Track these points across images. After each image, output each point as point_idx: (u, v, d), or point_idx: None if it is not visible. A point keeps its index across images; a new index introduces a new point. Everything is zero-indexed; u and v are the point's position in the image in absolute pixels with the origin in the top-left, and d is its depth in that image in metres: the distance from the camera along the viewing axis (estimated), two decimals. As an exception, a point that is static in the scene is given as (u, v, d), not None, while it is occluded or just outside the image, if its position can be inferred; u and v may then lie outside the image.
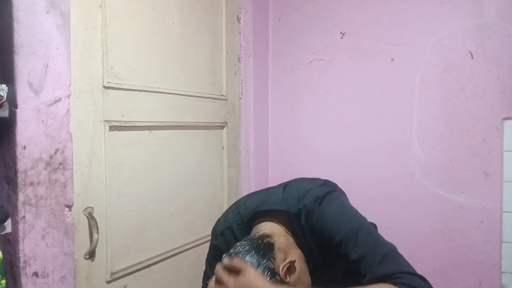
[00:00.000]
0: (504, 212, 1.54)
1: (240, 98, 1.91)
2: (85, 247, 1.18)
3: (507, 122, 1.53)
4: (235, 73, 1.88)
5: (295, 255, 0.89)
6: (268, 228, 0.92)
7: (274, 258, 0.84)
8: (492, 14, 1.54)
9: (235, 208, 1.06)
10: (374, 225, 0.90)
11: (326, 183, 0.99)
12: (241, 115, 1.91)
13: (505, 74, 1.53)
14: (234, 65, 1.87)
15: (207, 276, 1.04)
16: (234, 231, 1.01)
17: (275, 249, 0.86)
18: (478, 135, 1.58)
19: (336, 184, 1.03)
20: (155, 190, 1.44)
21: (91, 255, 1.19)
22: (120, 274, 1.30)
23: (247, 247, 0.85)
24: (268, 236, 0.89)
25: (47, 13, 1.04)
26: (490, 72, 1.55)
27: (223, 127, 1.80)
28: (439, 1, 1.64)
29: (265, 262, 0.82)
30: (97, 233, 1.17)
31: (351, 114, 1.85)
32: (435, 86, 1.66)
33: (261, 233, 0.90)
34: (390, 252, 0.82)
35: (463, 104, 1.61)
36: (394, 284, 0.74)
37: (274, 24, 2.06)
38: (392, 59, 1.75)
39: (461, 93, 1.61)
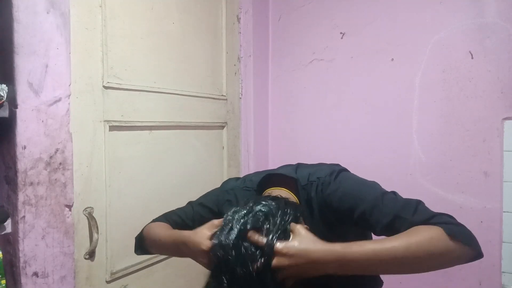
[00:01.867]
0: (504, 212, 1.54)
1: (240, 98, 1.91)
2: (85, 247, 1.18)
3: (507, 122, 1.53)
4: (235, 73, 1.88)
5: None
6: (283, 193, 0.90)
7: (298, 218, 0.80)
8: (492, 14, 1.54)
9: (246, 176, 1.07)
10: (395, 193, 0.87)
11: (339, 165, 0.98)
12: (241, 115, 1.91)
13: (505, 74, 1.53)
14: (234, 65, 1.87)
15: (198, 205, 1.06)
16: (237, 195, 0.99)
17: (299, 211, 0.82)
18: (478, 135, 1.58)
19: None
20: (155, 190, 1.44)
21: (91, 255, 1.19)
22: (120, 274, 1.30)
23: (274, 205, 0.78)
24: (287, 198, 0.85)
25: (47, 13, 1.04)
26: (490, 72, 1.55)
27: (223, 127, 1.80)
28: (439, 1, 1.64)
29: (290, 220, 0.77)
30: (97, 233, 1.17)
31: (351, 114, 1.85)
32: (435, 86, 1.66)
33: (278, 195, 0.87)
34: (419, 203, 0.81)
35: (463, 104, 1.61)
36: (434, 224, 0.72)
37: (274, 24, 2.06)
38: (392, 59, 1.75)
39: (461, 93, 1.61)
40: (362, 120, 1.82)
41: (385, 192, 0.84)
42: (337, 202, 0.86)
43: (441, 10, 1.64)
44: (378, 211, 0.80)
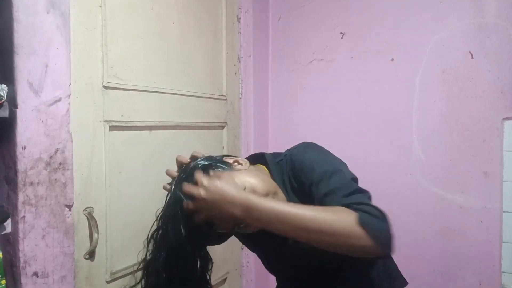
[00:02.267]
0: (504, 212, 1.54)
1: (240, 98, 1.91)
2: (85, 247, 1.18)
3: (507, 122, 1.53)
4: (235, 73, 1.88)
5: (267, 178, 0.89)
6: (259, 167, 0.94)
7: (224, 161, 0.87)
8: (492, 14, 1.54)
9: None
10: (352, 177, 0.86)
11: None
12: (241, 115, 1.91)
13: (505, 74, 1.53)
14: (234, 65, 1.87)
15: None
16: None
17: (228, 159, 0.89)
18: (478, 135, 1.58)
19: None
20: (155, 190, 1.43)
21: (91, 255, 1.19)
22: (120, 274, 1.30)
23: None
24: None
25: (47, 13, 1.04)
26: (490, 72, 1.55)
27: (223, 127, 1.80)
28: (439, 1, 1.64)
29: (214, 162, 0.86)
30: (97, 233, 1.17)
31: (351, 114, 1.85)
32: (435, 86, 1.66)
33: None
34: (360, 191, 0.80)
35: (463, 104, 1.61)
36: (354, 210, 0.73)
37: (274, 24, 2.06)
38: (392, 59, 1.75)
39: (461, 93, 1.61)
40: (362, 120, 1.82)
41: (336, 170, 0.84)
42: (298, 171, 0.87)
43: (441, 10, 1.64)
44: (322, 185, 0.81)
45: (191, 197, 0.77)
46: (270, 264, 1.06)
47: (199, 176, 0.79)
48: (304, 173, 0.85)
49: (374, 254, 0.73)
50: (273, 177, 0.91)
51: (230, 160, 0.88)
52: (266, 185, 0.84)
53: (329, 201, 0.78)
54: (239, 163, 0.88)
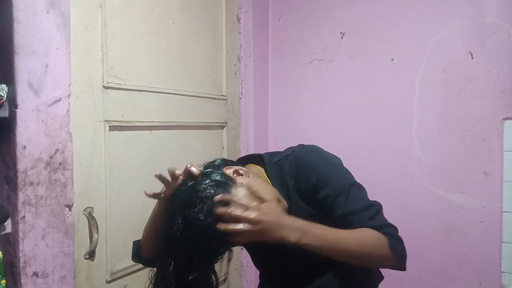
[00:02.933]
0: (504, 212, 1.54)
1: (240, 98, 1.91)
2: (85, 247, 1.18)
3: (507, 122, 1.53)
4: (235, 73, 1.88)
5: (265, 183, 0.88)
6: (253, 168, 0.93)
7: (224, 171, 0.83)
8: (492, 14, 1.54)
9: None
10: (359, 186, 0.90)
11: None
12: (241, 115, 1.91)
13: (505, 74, 1.53)
14: (234, 65, 1.87)
15: None
16: None
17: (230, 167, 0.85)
18: (478, 135, 1.58)
19: None
20: (155, 190, 1.43)
21: (91, 255, 1.19)
22: (120, 274, 1.30)
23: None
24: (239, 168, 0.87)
25: (47, 13, 1.04)
26: (490, 72, 1.55)
27: (223, 127, 1.80)
28: (439, 1, 1.64)
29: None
30: (97, 233, 1.17)
31: (351, 114, 1.85)
32: (435, 86, 1.66)
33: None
34: (378, 211, 0.87)
35: (463, 104, 1.60)
36: (383, 233, 0.81)
37: (274, 24, 2.06)
38: (392, 59, 1.75)
39: (461, 93, 1.61)
40: (362, 120, 1.82)
41: (352, 184, 0.88)
42: (307, 176, 0.87)
43: (441, 10, 1.64)
44: (341, 200, 0.84)
45: (235, 220, 0.72)
46: (257, 259, 1.06)
47: (243, 197, 0.76)
48: (316, 181, 0.86)
49: (393, 268, 0.85)
50: (269, 178, 0.91)
51: (230, 171, 0.84)
52: (271, 195, 0.82)
53: (353, 222, 0.83)
54: (239, 174, 0.84)
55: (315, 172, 0.86)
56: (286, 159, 0.92)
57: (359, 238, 0.80)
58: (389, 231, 0.83)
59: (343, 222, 0.83)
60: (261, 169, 0.94)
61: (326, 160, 0.91)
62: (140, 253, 0.95)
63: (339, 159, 0.95)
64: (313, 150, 0.93)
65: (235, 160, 0.97)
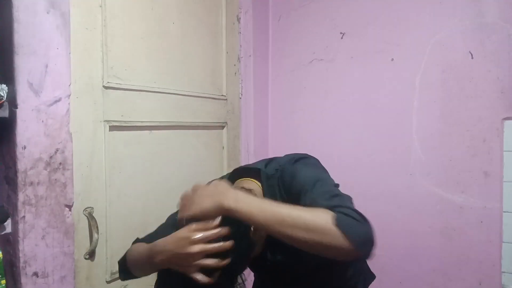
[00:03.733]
0: (504, 212, 1.54)
1: (240, 98, 1.91)
2: (85, 247, 1.18)
3: (507, 122, 1.53)
4: (235, 73, 1.88)
5: None
6: (249, 183, 0.96)
7: None
8: (492, 14, 1.54)
9: (224, 175, 1.10)
10: (338, 185, 0.89)
11: (305, 154, 1.00)
12: (241, 115, 1.91)
13: (505, 74, 1.53)
14: (234, 65, 1.87)
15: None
16: None
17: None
18: (478, 135, 1.58)
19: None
20: (155, 190, 1.44)
21: (91, 255, 1.19)
22: (120, 274, 1.30)
23: None
24: (247, 189, 0.90)
25: (47, 13, 1.04)
26: (490, 72, 1.55)
27: (223, 127, 1.80)
28: (439, 1, 1.64)
29: None
30: (97, 233, 1.17)
31: (351, 114, 1.85)
32: (435, 86, 1.66)
33: (240, 186, 0.93)
34: (340, 195, 0.81)
35: (463, 104, 1.61)
36: (332, 211, 0.73)
37: (274, 24, 2.06)
38: (392, 59, 1.75)
39: (461, 93, 1.61)
40: (362, 120, 1.82)
41: (321, 178, 0.86)
42: (291, 188, 0.88)
43: (441, 10, 1.64)
44: (308, 194, 0.83)
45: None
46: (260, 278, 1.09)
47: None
48: (293, 187, 0.87)
49: (349, 255, 0.72)
50: (264, 196, 0.92)
51: None
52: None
53: (309, 198, 0.81)
54: None
55: (293, 179, 0.88)
56: (276, 173, 0.94)
57: (295, 209, 0.74)
58: (344, 211, 0.73)
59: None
60: (258, 184, 0.95)
61: (306, 168, 0.91)
62: (127, 268, 0.94)
63: (317, 164, 0.96)
64: (293, 160, 0.94)
65: (233, 168, 1.00)
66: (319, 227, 0.70)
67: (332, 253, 0.73)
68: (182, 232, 0.77)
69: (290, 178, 0.89)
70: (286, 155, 1.00)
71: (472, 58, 1.58)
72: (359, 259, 0.80)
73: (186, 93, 1.56)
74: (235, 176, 1.01)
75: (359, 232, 0.71)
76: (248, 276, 1.03)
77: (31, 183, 1.01)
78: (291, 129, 2.03)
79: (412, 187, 1.70)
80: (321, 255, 0.73)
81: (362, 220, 0.73)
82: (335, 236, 0.69)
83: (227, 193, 0.78)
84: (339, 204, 0.75)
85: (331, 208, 0.74)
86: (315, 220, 0.71)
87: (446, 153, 1.64)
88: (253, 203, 0.75)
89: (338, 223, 0.70)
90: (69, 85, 1.11)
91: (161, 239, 0.81)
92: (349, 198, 0.81)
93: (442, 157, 1.65)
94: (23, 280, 1.01)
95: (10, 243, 1.02)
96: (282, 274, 0.98)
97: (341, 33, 1.87)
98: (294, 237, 0.72)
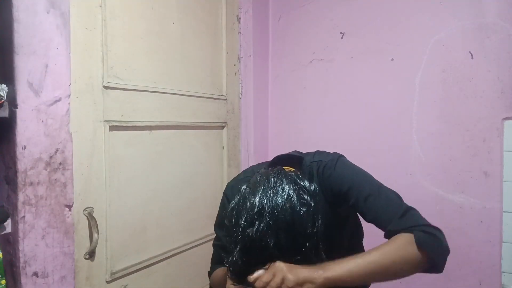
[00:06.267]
0: (504, 212, 1.54)
1: (240, 98, 1.91)
2: (85, 247, 1.18)
3: (507, 122, 1.53)
4: (235, 73, 1.88)
5: None
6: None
7: None
8: (492, 14, 1.54)
9: (243, 172, 1.09)
10: (389, 190, 0.93)
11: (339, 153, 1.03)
12: (241, 115, 1.91)
13: (505, 74, 1.53)
14: (234, 65, 1.87)
15: (219, 247, 1.02)
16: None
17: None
18: (478, 135, 1.58)
19: None
20: (155, 190, 1.44)
21: (91, 255, 1.19)
22: (120, 274, 1.30)
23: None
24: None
25: (47, 13, 1.04)
26: (490, 72, 1.55)
27: (223, 127, 1.80)
28: (439, 1, 1.64)
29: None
30: (97, 233, 1.17)
31: (351, 114, 1.85)
32: (435, 86, 1.66)
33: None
34: (408, 209, 0.86)
35: (463, 104, 1.61)
36: (410, 232, 0.79)
37: (274, 24, 2.06)
38: (392, 59, 1.75)
39: (461, 93, 1.61)
40: (362, 120, 1.82)
41: (380, 185, 0.90)
42: (337, 185, 0.90)
43: (441, 10, 1.64)
44: (371, 201, 0.86)
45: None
46: None
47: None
48: (346, 187, 0.89)
49: (429, 270, 0.81)
50: None
51: None
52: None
53: (386, 223, 0.84)
54: None
55: (344, 179, 0.90)
56: (314, 165, 0.94)
57: (382, 251, 0.78)
58: (421, 229, 0.80)
59: (377, 223, 0.85)
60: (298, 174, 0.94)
61: (350, 167, 0.95)
62: None
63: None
64: (338, 160, 0.96)
65: (233, 168, 0.98)
66: (409, 259, 0.78)
67: (415, 271, 0.81)
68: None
69: (336, 175, 0.91)
70: (321, 151, 1.01)
71: (472, 58, 1.59)
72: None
73: (186, 93, 1.56)
74: (276, 163, 0.98)
75: (436, 248, 0.80)
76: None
77: (31, 183, 1.01)
78: (291, 129, 2.03)
79: (412, 187, 1.70)
80: (397, 278, 0.80)
81: (438, 233, 0.81)
82: (420, 258, 0.78)
83: (313, 274, 0.75)
84: (414, 224, 0.82)
85: (408, 229, 0.80)
86: (402, 256, 0.78)
87: (446, 153, 1.64)
88: (339, 271, 0.76)
89: (421, 245, 0.78)
90: (69, 85, 1.11)
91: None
92: (415, 211, 0.86)
93: (442, 157, 1.65)
94: (23, 280, 1.01)
95: (10, 243, 1.02)
96: None
97: (341, 33, 1.87)
98: (390, 277, 0.80)
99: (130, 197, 1.34)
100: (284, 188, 0.79)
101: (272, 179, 0.80)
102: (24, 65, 0.99)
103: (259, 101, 2.01)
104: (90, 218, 1.17)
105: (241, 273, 0.78)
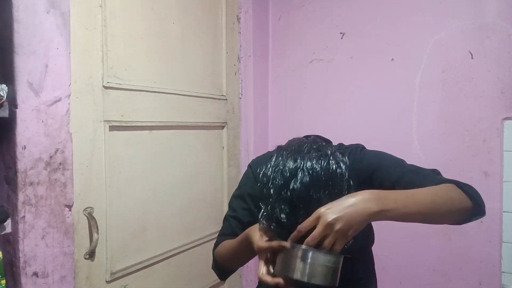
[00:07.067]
0: (504, 212, 1.54)
1: (240, 98, 1.91)
2: (85, 247, 1.18)
3: (507, 122, 1.53)
4: (235, 73, 1.88)
5: None
6: None
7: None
8: (492, 14, 1.54)
9: (269, 152, 1.07)
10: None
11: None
12: (241, 115, 1.91)
13: (505, 74, 1.53)
14: (234, 65, 1.87)
15: (234, 218, 1.01)
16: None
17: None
18: (478, 135, 1.58)
19: None
20: (155, 190, 1.44)
21: (91, 255, 1.19)
22: (120, 274, 1.30)
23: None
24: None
25: (47, 13, 1.04)
26: (490, 72, 1.55)
27: (223, 127, 1.80)
28: (439, 1, 1.64)
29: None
30: (97, 233, 1.17)
31: (351, 114, 1.85)
32: (435, 86, 1.66)
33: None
34: (436, 171, 0.92)
35: (463, 104, 1.61)
36: (457, 185, 0.82)
37: (274, 24, 2.06)
38: (392, 59, 1.75)
39: (461, 93, 1.61)
40: (362, 120, 1.82)
41: (411, 164, 0.97)
42: (369, 165, 0.93)
43: (441, 10, 1.64)
44: (409, 175, 0.90)
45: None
46: None
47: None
48: (378, 164, 0.94)
49: (476, 214, 0.82)
50: None
51: None
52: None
53: (424, 182, 0.85)
54: None
55: (375, 158, 0.95)
56: (344, 150, 0.97)
57: (432, 190, 0.80)
58: (457, 181, 0.83)
59: (407, 184, 0.85)
60: None
61: (375, 151, 1.01)
62: (223, 267, 1.00)
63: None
64: (363, 148, 1.02)
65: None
66: (456, 200, 0.79)
67: (465, 216, 0.82)
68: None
69: (363, 156, 0.95)
70: (340, 143, 1.04)
71: (472, 58, 1.58)
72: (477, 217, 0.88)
73: (186, 93, 1.56)
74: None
75: (478, 194, 0.82)
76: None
77: (31, 183, 1.01)
78: (291, 129, 2.03)
79: (412, 187, 1.70)
80: (447, 221, 0.83)
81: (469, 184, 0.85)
82: (466, 199, 0.80)
83: (365, 202, 0.74)
84: (446, 178, 0.86)
85: (446, 181, 0.84)
86: (452, 197, 0.79)
87: (446, 153, 1.64)
88: (396, 200, 0.77)
89: (465, 190, 0.81)
90: (69, 85, 1.11)
91: (248, 229, 0.84)
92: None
93: (442, 157, 1.65)
94: (23, 280, 1.01)
95: (10, 243, 1.02)
96: None
97: (341, 33, 1.87)
98: (439, 217, 0.81)
99: (130, 197, 1.34)
100: (320, 148, 0.82)
101: (308, 144, 0.84)
102: (24, 65, 0.99)
103: (259, 101, 2.01)
104: (90, 218, 1.17)
105: (282, 226, 0.77)
